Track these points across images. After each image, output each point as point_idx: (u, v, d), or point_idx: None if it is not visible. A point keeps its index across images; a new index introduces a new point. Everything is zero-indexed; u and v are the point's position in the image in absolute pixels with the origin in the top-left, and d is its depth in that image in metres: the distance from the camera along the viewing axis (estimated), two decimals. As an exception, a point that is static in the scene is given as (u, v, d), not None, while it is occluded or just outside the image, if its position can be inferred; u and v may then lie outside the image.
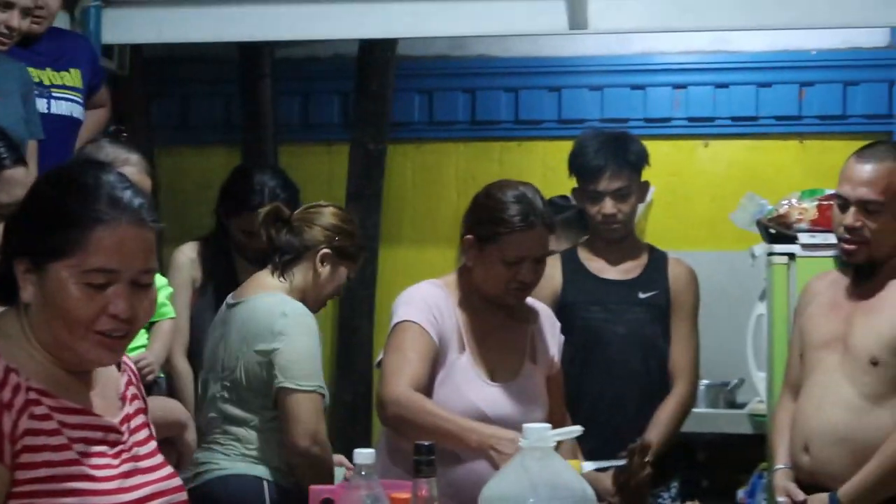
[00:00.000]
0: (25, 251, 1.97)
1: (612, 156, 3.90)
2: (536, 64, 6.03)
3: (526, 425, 2.15)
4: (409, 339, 3.12)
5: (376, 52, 5.78)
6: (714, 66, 5.94)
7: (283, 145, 6.00)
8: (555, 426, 3.23)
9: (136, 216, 1.99)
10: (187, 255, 4.33)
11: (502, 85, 6.08)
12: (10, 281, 2.01)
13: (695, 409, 4.21)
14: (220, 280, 4.26)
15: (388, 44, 5.75)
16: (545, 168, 5.90)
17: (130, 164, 3.54)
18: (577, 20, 4.67)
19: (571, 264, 3.99)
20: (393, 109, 5.96)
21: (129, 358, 2.23)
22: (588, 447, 3.35)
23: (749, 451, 4.70)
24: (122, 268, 1.95)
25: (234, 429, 3.33)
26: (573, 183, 4.08)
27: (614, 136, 4.05)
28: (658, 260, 4.02)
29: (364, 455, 2.12)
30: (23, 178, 2.52)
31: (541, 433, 2.12)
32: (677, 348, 3.94)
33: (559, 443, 3.14)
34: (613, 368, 3.90)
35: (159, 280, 4.08)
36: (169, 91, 6.18)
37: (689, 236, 5.71)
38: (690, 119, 5.96)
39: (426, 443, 2.10)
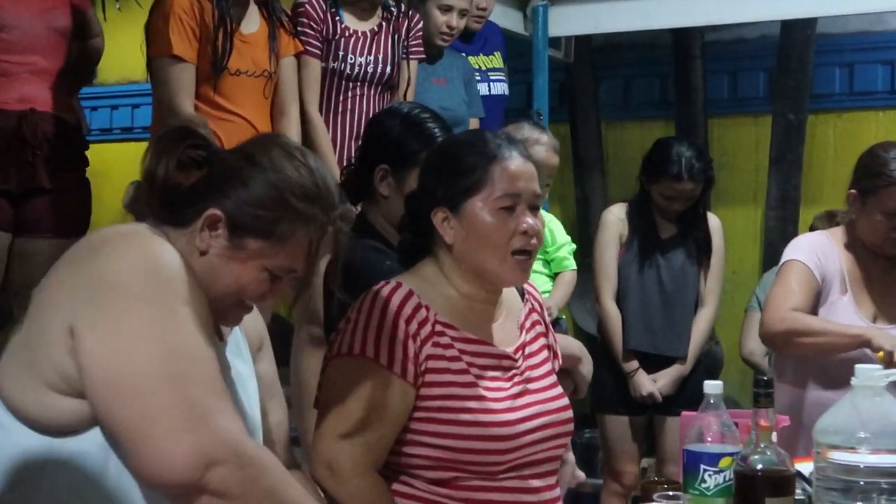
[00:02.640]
0: (441, 202, 2.08)
1: None
2: (957, 34, 5.63)
3: (858, 366, 2.07)
4: (793, 275, 3.09)
5: (797, 32, 5.63)
6: None
7: (713, 118, 5.95)
8: (939, 370, 3.13)
9: (523, 151, 2.10)
10: (616, 214, 4.38)
11: (921, 56, 5.74)
12: (420, 241, 2.15)
13: None
14: (643, 236, 4.29)
15: (808, 23, 5.58)
16: (961, 134, 5.53)
17: (541, 144, 3.69)
18: None
19: None
20: (813, 82, 5.77)
21: (535, 290, 2.31)
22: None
23: None
24: (521, 191, 2.06)
25: None
26: None
27: None
28: None
29: (712, 386, 2.10)
30: None
31: (871, 373, 2.03)
32: None
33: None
34: None
35: (563, 238, 4.23)
36: (613, 74, 6.25)
37: None
38: None
39: (765, 377, 2.07)
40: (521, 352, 2.16)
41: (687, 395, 4.15)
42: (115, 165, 4.89)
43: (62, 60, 3.26)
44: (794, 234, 5.76)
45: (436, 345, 2.04)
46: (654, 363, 4.28)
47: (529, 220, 2.05)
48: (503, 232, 2.04)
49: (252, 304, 1.78)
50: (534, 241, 2.07)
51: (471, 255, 2.08)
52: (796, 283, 3.09)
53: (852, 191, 3.14)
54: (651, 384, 4.25)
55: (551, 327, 2.32)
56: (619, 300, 4.32)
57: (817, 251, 3.13)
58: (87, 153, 3.46)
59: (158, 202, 1.74)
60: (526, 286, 2.27)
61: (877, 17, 5.63)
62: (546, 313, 2.33)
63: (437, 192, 2.10)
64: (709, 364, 4.34)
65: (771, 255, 5.82)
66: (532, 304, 2.26)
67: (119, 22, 4.13)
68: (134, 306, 1.58)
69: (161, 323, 1.58)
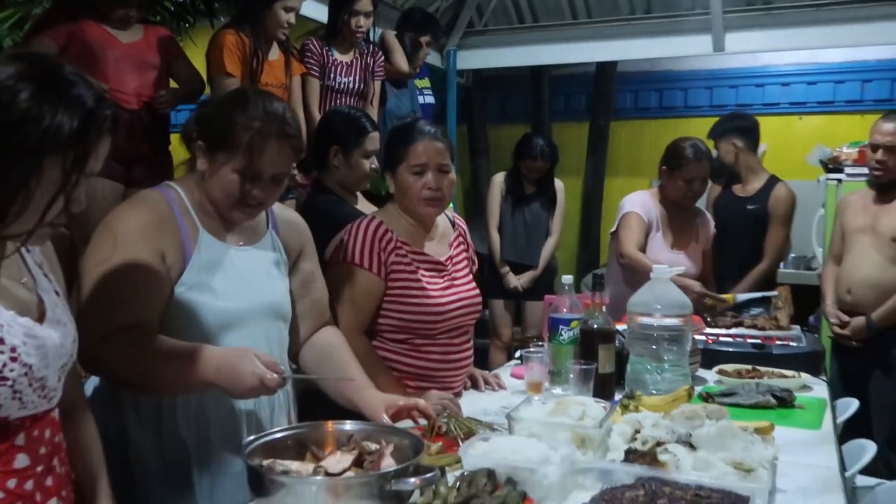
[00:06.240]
0: (388, 166, 2.05)
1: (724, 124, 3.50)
2: (698, 73, 5.68)
3: (655, 266, 2.09)
4: (633, 223, 3.07)
5: (606, 70, 5.64)
6: (807, 72, 5.40)
7: (555, 123, 5.94)
8: (703, 275, 3.16)
9: (434, 135, 2.02)
10: (499, 178, 4.38)
11: (678, 86, 5.77)
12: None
13: (788, 270, 3.83)
14: (515, 193, 4.28)
15: (612, 64, 5.59)
16: (701, 134, 5.49)
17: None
18: (718, 45, 4.39)
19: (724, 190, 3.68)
20: (616, 102, 5.79)
21: (462, 222, 2.23)
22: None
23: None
24: (427, 161, 1.99)
25: None
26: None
27: (731, 114, 3.63)
28: (769, 185, 3.59)
29: (566, 279, 2.12)
30: (378, 139, 2.58)
31: (663, 271, 2.05)
32: (770, 240, 3.53)
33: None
34: (729, 248, 3.53)
35: None
36: (494, 94, 6.19)
37: (787, 171, 5.24)
38: (791, 103, 5.45)
39: (598, 272, 2.08)
40: (450, 261, 2.11)
41: (539, 289, 4.18)
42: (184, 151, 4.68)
43: (153, 85, 2.98)
44: (601, 196, 5.83)
45: (397, 254, 2.00)
46: (519, 268, 4.28)
47: (433, 180, 1.99)
48: (415, 188, 1.99)
49: (254, 202, 1.57)
50: (438, 193, 2.00)
51: (401, 200, 2.04)
52: (636, 227, 3.06)
53: (663, 167, 3.11)
54: (516, 280, 4.26)
55: (472, 245, 2.25)
56: (499, 230, 4.31)
57: (643, 204, 3.11)
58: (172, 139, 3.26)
59: (191, 153, 1.63)
60: (456, 220, 2.22)
61: (653, 62, 5.66)
62: (468, 237, 2.27)
63: (388, 160, 2.06)
64: (550, 271, 4.38)
65: (587, 207, 5.89)
66: (459, 230, 2.21)
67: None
68: (100, 243, 1.49)
69: (105, 258, 1.47)
